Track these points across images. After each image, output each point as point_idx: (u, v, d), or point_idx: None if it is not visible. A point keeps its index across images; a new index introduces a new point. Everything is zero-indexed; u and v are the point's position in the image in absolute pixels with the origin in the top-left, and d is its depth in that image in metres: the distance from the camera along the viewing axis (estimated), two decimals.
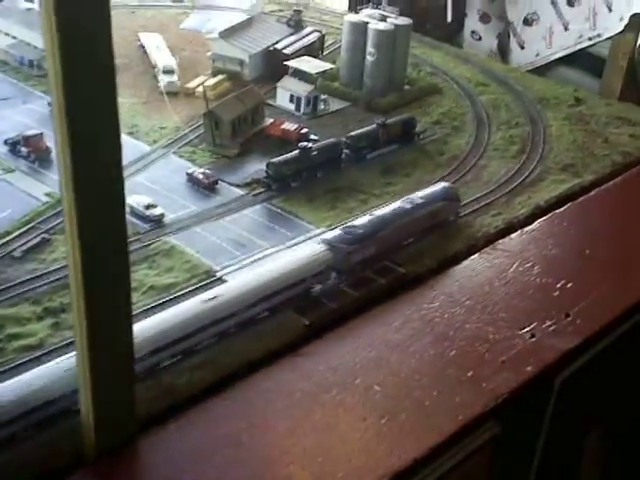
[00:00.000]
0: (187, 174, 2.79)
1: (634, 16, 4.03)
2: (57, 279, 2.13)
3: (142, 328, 1.93)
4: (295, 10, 4.07)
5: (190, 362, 1.98)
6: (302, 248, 2.38)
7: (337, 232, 2.38)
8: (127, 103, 3.22)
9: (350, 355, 2.00)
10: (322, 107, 3.47)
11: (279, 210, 2.69)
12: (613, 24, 4.17)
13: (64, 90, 1.41)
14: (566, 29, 4.38)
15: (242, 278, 2.18)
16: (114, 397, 1.67)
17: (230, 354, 2.02)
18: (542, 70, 4.48)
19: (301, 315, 2.15)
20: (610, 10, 4.18)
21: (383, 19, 3.66)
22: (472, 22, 4.80)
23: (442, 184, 2.78)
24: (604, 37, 4.24)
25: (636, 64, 4.09)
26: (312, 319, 2.14)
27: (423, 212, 2.56)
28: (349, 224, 2.47)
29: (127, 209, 2.37)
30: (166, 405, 1.85)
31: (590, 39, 4.31)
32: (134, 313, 2.05)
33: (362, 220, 2.48)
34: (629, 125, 3.46)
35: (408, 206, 2.55)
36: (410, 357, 2.00)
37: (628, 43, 4.10)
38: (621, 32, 4.12)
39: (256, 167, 2.92)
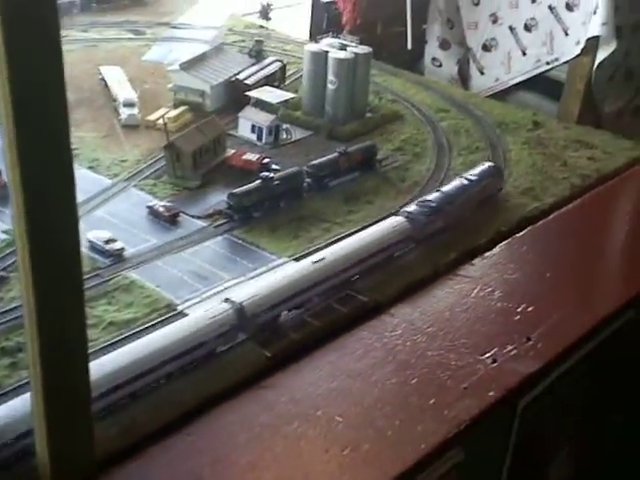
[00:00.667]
0: (148, 207, 2.78)
1: (590, 40, 4.09)
2: (14, 318, 2.11)
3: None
4: (256, 40, 4.10)
5: (151, 398, 1.97)
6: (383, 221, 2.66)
7: (414, 206, 2.69)
8: (88, 137, 3.21)
9: (312, 386, 1.99)
10: (284, 136, 3.48)
11: (241, 241, 2.68)
12: (570, 48, 4.23)
13: (15, 131, 1.41)
14: (524, 54, 4.45)
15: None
16: (71, 438, 1.64)
17: (192, 389, 2.00)
18: (502, 95, 4.54)
19: (262, 347, 2.13)
20: (567, 34, 4.25)
21: (343, 48, 3.69)
22: (432, 49, 4.86)
23: (487, 163, 3.10)
24: (561, 61, 4.30)
25: (593, 87, 4.16)
26: (274, 351, 2.13)
27: (477, 188, 2.87)
28: (423, 198, 2.76)
29: (86, 244, 2.39)
30: (126, 444, 1.83)
31: (548, 63, 4.37)
32: (94, 350, 2.05)
33: (434, 195, 2.77)
34: (587, 148, 3.51)
35: (466, 182, 2.86)
36: (372, 386, 2.00)
37: (585, 66, 4.16)
38: (578, 56, 4.19)
39: (218, 198, 2.91)
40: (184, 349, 2.02)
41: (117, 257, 2.47)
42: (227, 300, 2.17)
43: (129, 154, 3.14)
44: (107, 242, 2.49)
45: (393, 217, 2.69)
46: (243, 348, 2.15)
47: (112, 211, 2.75)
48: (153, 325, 2.19)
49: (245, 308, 2.16)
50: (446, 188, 2.85)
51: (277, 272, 2.46)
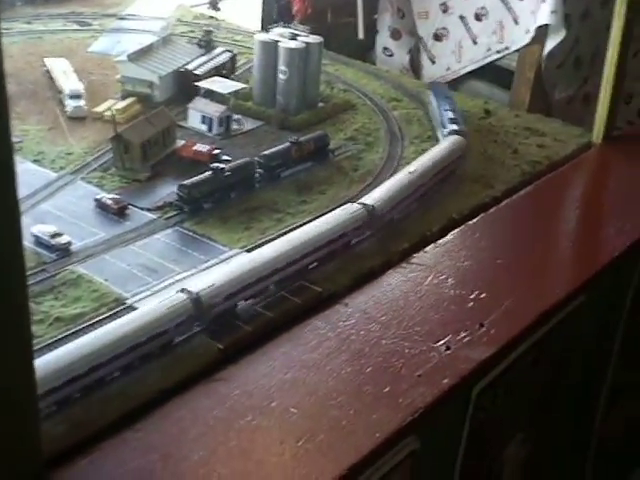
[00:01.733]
0: (95, 200, 2.72)
1: (540, 28, 4.12)
2: None
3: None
4: (205, 31, 4.04)
5: (101, 393, 1.92)
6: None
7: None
8: (32, 130, 3.13)
9: (266, 378, 1.97)
10: (235, 127, 3.44)
11: (191, 233, 2.64)
12: (520, 37, 4.26)
13: None
14: (475, 43, 4.46)
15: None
16: (17, 434, 1.60)
17: (142, 383, 1.96)
18: (454, 84, 4.54)
19: (214, 339, 2.10)
20: (517, 23, 4.28)
21: (294, 37, 3.66)
22: (383, 38, 4.86)
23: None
24: (512, 50, 4.32)
25: (543, 75, 4.19)
26: (226, 343, 2.10)
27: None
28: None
29: (32, 238, 2.33)
30: (76, 440, 1.79)
31: (498, 52, 4.39)
32: (41, 346, 2.00)
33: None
34: (537, 135, 3.53)
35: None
36: (327, 376, 1.98)
37: (534, 55, 4.20)
38: (528, 44, 4.21)
39: (168, 190, 2.86)
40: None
41: (64, 251, 2.42)
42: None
43: (75, 146, 3.08)
44: (53, 236, 2.43)
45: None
46: (194, 341, 2.11)
47: (58, 205, 2.69)
48: (101, 320, 2.14)
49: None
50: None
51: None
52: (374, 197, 2.69)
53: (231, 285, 2.21)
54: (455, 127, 3.28)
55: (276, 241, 2.47)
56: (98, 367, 1.92)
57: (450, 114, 3.39)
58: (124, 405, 1.89)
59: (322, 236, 2.47)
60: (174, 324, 2.07)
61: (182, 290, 2.14)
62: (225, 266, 2.39)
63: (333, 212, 2.64)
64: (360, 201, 2.66)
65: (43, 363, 1.81)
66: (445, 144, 3.15)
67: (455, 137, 3.18)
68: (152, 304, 2.12)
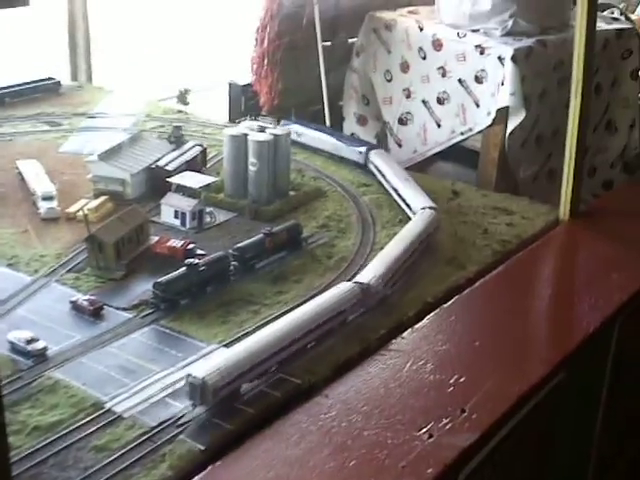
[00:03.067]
0: (71, 302, 2.71)
1: (500, 110, 4.24)
2: None
3: None
4: (175, 126, 4.11)
5: None
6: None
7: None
8: (6, 234, 3.14)
9: (248, 477, 1.94)
10: (208, 220, 3.47)
11: (169, 330, 2.63)
12: (482, 118, 4.38)
13: None
14: (439, 126, 4.57)
15: None
16: None
17: None
18: (422, 166, 4.64)
19: (195, 440, 2.08)
20: (478, 106, 4.40)
21: (262, 130, 3.73)
22: (350, 125, 4.96)
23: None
24: (475, 131, 4.43)
25: (507, 154, 4.29)
26: (207, 444, 2.07)
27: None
28: None
29: (7, 345, 2.31)
30: None
31: (462, 134, 4.50)
32: (19, 457, 1.97)
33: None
34: (506, 214, 3.59)
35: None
36: (310, 472, 1.96)
37: (498, 135, 4.31)
38: (490, 125, 4.33)
39: (143, 288, 2.86)
40: None
41: (40, 357, 2.40)
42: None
43: (49, 248, 3.08)
44: (29, 342, 2.41)
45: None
46: (176, 444, 2.09)
47: (33, 309, 2.68)
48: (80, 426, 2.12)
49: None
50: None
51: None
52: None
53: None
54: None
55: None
56: None
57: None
58: None
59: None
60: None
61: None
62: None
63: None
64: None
65: None
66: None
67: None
68: None
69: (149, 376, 2.37)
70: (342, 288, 2.69)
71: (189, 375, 2.19)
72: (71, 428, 2.12)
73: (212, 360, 2.31)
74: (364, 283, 2.70)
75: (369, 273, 2.79)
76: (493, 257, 3.17)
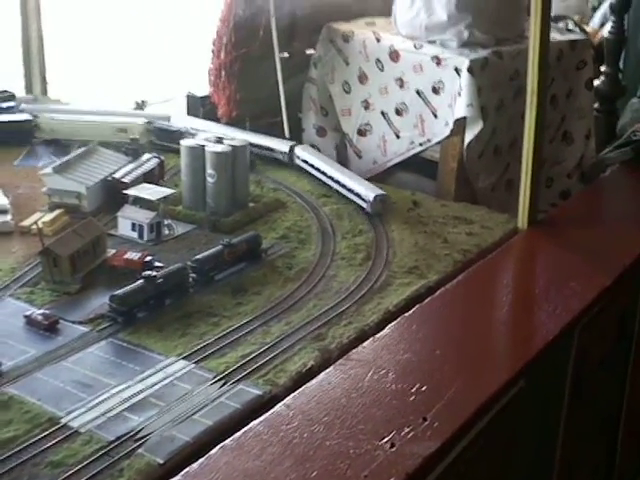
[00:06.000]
0: (25, 317, 2.65)
1: (457, 121, 4.27)
2: None
3: None
4: (132, 138, 4.07)
5: None
6: None
7: None
8: None
9: None
10: (166, 232, 3.43)
11: (126, 344, 2.59)
12: (440, 129, 4.40)
13: None
14: (398, 137, 4.59)
15: None
16: None
17: None
18: (382, 177, 4.65)
19: (154, 454, 2.04)
20: (436, 117, 4.42)
21: (219, 141, 3.71)
22: (309, 136, 4.96)
23: None
24: (433, 142, 4.46)
25: (465, 165, 4.32)
26: (166, 457, 2.03)
27: None
28: None
29: None
30: None
31: (421, 145, 4.52)
32: None
33: None
34: (465, 224, 3.61)
35: None
36: None
37: (456, 146, 4.34)
38: (448, 136, 4.35)
39: (100, 301, 2.81)
40: None
41: None
42: None
43: (3, 262, 3.02)
44: None
45: None
46: (134, 458, 2.05)
47: None
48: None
49: None
50: None
51: None
52: None
53: None
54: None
55: None
56: None
57: None
58: None
59: None
60: None
61: None
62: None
63: None
64: None
65: None
66: None
67: None
68: None
69: (106, 390, 2.33)
70: None
71: None
72: (26, 444, 2.07)
73: None
74: None
75: None
76: (454, 266, 3.18)
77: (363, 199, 3.68)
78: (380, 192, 3.68)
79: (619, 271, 3.05)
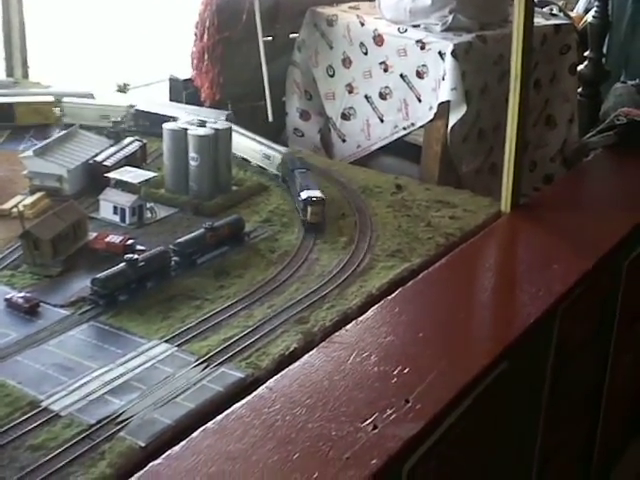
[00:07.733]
0: (5, 300, 2.64)
1: (442, 104, 4.26)
2: None
3: None
4: (114, 121, 4.04)
5: None
6: None
7: None
8: None
9: (190, 474, 1.90)
10: (149, 215, 3.41)
11: (108, 327, 2.57)
12: (424, 113, 4.40)
13: None
14: (382, 121, 4.58)
15: None
16: None
17: None
18: (365, 161, 4.65)
19: (135, 437, 2.03)
20: (420, 101, 4.42)
21: (202, 124, 3.68)
22: (293, 120, 4.95)
23: None
24: (417, 126, 4.46)
25: (449, 149, 4.32)
26: (147, 440, 2.03)
27: None
28: None
29: None
30: None
31: (405, 129, 4.52)
32: None
33: None
34: (449, 207, 3.61)
35: None
36: (253, 467, 1.92)
37: (440, 130, 4.34)
38: (432, 120, 4.35)
39: (81, 284, 2.80)
40: None
41: None
42: None
43: None
44: None
45: None
46: (115, 442, 2.04)
47: None
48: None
49: None
50: None
51: None
52: None
53: None
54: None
55: None
56: None
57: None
58: None
59: None
60: None
61: None
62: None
63: None
64: None
65: None
66: None
67: None
68: None
69: (87, 373, 2.32)
70: None
71: None
72: (6, 427, 2.05)
73: None
74: None
75: None
76: (437, 249, 3.19)
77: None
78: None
79: (601, 254, 3.06)
